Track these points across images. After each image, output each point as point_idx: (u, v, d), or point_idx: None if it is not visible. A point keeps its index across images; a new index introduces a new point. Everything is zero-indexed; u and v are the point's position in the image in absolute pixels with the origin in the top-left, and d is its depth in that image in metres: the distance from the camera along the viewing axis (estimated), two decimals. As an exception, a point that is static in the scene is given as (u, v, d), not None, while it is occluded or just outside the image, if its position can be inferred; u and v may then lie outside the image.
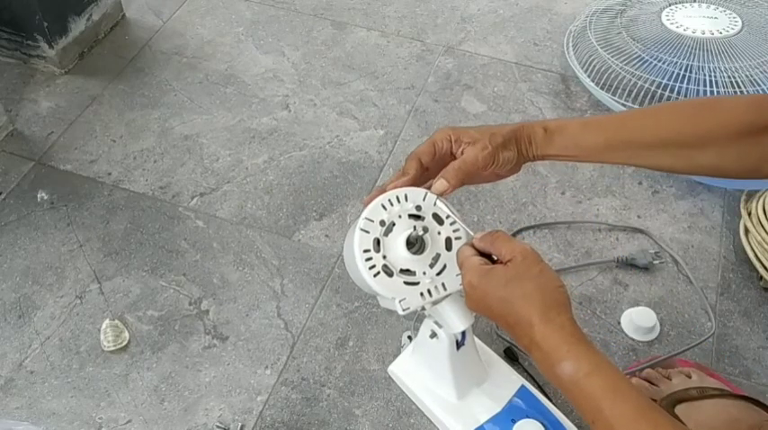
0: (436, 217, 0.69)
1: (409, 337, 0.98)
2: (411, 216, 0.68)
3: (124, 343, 1.00)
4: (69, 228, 1.15)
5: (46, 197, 1.19)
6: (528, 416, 0.85)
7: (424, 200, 0.69)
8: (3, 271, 1.09)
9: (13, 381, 0.97)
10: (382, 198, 0.68)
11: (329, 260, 1.10)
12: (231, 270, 1.09)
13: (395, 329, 1.02)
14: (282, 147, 1.28)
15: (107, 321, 1.02)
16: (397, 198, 0.68)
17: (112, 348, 1.00)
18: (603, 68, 1.31)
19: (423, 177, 0.71)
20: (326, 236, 1.14)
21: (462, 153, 0.69)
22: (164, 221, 1.16)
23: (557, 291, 0.60)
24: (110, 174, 1.23)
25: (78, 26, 1.42)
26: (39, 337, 1.02)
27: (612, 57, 1.32)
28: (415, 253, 0.67)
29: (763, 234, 1.04)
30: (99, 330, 1.01)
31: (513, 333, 0.61)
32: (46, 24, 1.34)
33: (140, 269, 1.09)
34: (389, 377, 0.96)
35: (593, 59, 1.34)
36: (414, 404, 0.94)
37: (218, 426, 0.92)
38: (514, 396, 0.88)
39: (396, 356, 0.98)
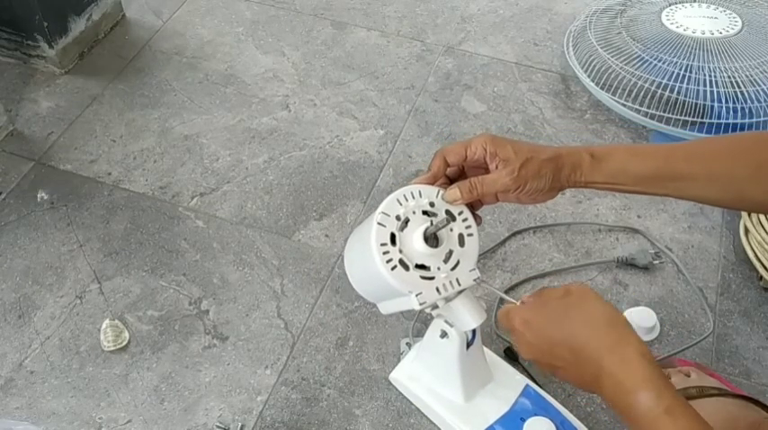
0: (449, 213, 0.69)
1: (407, 344, 0.98)
2: (424, 212, 0.69)
3: (124, 343, 1.01)
4: (69, 228, 1.15)
5: (46, 197, 1.19)
6: (536, 414, 0.85)
7: (437, 197, 0.69)
8: (3, 271, 1.09)
9: (13, 381, 0.97)
10: (398, 193, 0.69)
11: (329, 260, 1.10)
12: (231, 270, 1.09)
13: (395, 329, 1.02)
14: (282, 147, 1.28)
15: (107, 321, 1.02)
16: (412, 194, 0.69)
17: (112, 348, 1.00)
18: (603, 68, 1.31)
19: (451, 175, 0.72)
20: (326, 236, 1.14)
21: (497, 167, 0.67)
22: (164, 221, 1.16)
23: (624, 321, 0.58)
24: (110, 174, 1.23)
25: (78, 26, 1.42)
26: (39, 337, 1.02)
27: (612, 57, 1.32)
28: (430, 247, 0.68)
29: (763, 234, 1.04)
30: (99, 330, 1.01)
31: (577, 362, 0.57)
32: (46, 24, 1.34)
33: (140, 269, 1.10)
34: (389, 377, 0.96)
35: (593, 59, 1.34)
36: (414, 405, 0.94)
37: (218, 426, 0.92)
38: (521, 395, 0.88)
39: (396, 357, 0.98)
